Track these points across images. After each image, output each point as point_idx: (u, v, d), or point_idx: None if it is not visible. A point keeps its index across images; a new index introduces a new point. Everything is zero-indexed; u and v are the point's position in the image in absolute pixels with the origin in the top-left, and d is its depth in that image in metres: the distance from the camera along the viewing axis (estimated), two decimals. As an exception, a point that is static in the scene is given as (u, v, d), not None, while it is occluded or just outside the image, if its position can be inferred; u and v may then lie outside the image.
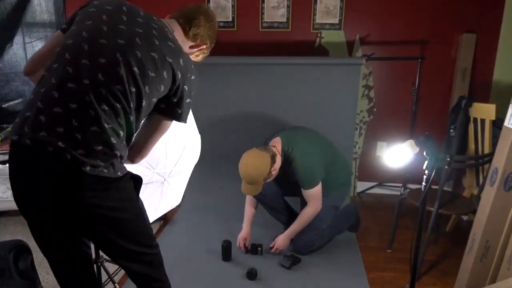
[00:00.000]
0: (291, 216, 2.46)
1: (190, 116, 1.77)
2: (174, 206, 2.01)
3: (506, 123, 1.77)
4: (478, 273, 1.86)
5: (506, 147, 1.73)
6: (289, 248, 2.33)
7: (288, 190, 2.41)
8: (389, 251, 2.42)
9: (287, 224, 2.43)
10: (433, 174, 1.37)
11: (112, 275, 1.97)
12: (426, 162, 1.38)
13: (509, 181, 1.75)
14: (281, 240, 2.27)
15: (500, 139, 1.81)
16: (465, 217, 2.85)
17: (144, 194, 1.79)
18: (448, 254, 2.40)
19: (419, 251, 1.51)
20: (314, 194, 2.20)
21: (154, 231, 2.65)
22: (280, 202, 2.48)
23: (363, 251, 2.41)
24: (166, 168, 1.80)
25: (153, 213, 1.87)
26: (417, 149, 1.41)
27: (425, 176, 1.39)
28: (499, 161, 1.78)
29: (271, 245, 2.29)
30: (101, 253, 1.85)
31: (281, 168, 2.17)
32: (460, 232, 2.68)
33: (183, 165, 1.90)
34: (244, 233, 2.36)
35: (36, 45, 2.57)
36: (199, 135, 1.95)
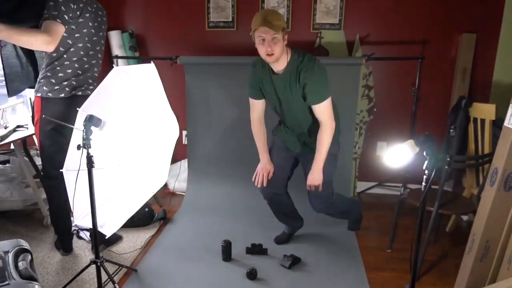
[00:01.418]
0: (297, 219, 2.46)
1: (163, 98, 1.91)
2: (162, 184, 2.04)
3: (506, 123, 1.77)
4: (478, 273, 1.86)
5: (506, 147, 1.73)
6: (289, 248, 2.33)
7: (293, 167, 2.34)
8: (389, 251, 2.42)
9: (292, 227, 2.45)
10: (433, 174, 1.37)
11: (112, 275, 1.97)
12: (426, 162, 1.38)
13: (509, 181, 1.75)
14: (314, 175, 2.11)
15: (500, 139, 1.81)
16: (465, 217, 2.85)
17: (134, 172, 1.88)
18: (448, 254, 2.40)
19: (419, 251, 1.51)
20: (326, 110, 2.03)
21: (154, 231, 2.65)
22: (286, 201, 2.40)
23: (363, 251, 2.41)
24: (149, 146, 1.93)
25: (146, 192, 1.99)
26: (417, 149, 1.41)
27: (425, 176, 1.39)
28: (499, 161, 1.78)
29: (308, 185, 2.14)
30: (101, 253, 1.85)
31: (291, 73, 2.00)
32: (460, 232, 2.68)
33: (164, 143, 1.99)
34: (264, 163, 2.23)
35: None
36: (173, 114, 1.99)
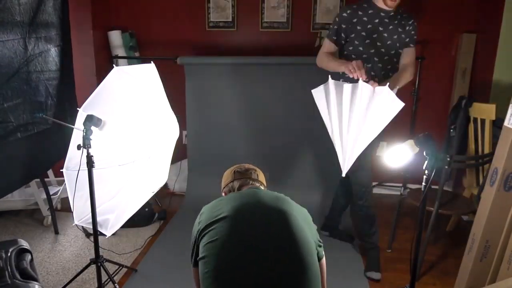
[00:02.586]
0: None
1: (164, 98, 1.88)
2: (162, 184, 2.04)
3: (506, 123, 1.78)
4: (478, 273, 1.86)
5: (506, 147, 1.73)
6: None
7: None
8: (389, 251, 2.42)
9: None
10: (433, 174, 1.37)
11: (112, 275, 1.97)
12: (426, 162, 1.38)
13: (509, 181, 1.75)
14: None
15: (500, 139, 1.81)
16: (465, 217, 2.85)
17: (134, 172, 1.92)
18: (448, 254, 2.40)
19: (419, 251, 1.51)
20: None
21: (154, 231, 2.65)
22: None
23: (363, 251, 2.40)
24: (149, 146, 1.91)
25: (146, 192, 1.97)
26: (417, 149, 1.41)
27: (425, 176, 1.39)
28: (499, 161, 1.78)
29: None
30: (101, 252, 1.85)
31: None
32: (460, 232, 2.68)
33: (164, 142, 1.97)
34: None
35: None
36: (173, 114, 1.99)
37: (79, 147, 1.61)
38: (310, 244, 1.21)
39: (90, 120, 1.61)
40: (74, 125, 1.73)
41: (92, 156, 1.63)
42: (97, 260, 1.81)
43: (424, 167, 1.39)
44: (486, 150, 2.33)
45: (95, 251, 1.81)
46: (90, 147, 1.61)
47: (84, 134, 1.60)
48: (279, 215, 1.22)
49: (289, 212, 1.24)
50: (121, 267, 2.14)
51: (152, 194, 2.03)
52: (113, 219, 1.92)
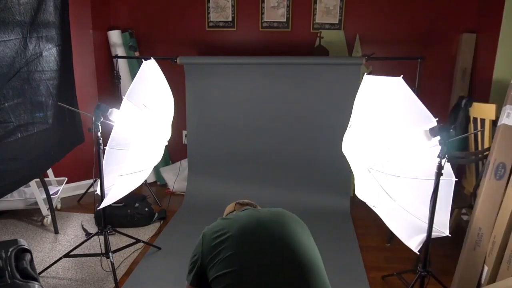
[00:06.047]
0: None
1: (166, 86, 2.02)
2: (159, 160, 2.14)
3: (502, 122, 1.81)
4: (471, 263, 1.89)
5: (496, 141, 1.81)
6: None
7: None
8: (388, 245, 2.42)
9: None
10: (444, 162, 1.36)
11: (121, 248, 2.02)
12: (439, 151, 1.36)
13: (499, 170, 1.78)
14: None
15: (495, 136, 1.86)
16: (465, 217, 2.85)
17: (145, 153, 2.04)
18: (448, 254, 2.40)
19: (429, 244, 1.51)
20: None
21: (154, 231, 2.65)
22: None
23: (363, 251, 2.41)
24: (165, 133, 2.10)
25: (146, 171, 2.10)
26: (431, 139, 1.39)
27: (437, 164, 1.37)
28: (491, 153, 1.86)
29: None
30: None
31: None
32: (460, 232, 2.68)
33: (156, 141, 2.11)
34: None
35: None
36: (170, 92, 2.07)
37: (89, 130, 1.84)
38: (313, 245, 1.33)
39: (98, 107, 1.82)
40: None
41: (100, 138, 1.87)
42: (104, 230, 2.07)
43: (437, 156, 1.38)
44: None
45: (103, 221, 2.08)
46: (99, 130, 1.84)
47: (93, 119, 1.82)
48: (280, 227, 1.32)
49: (287, 225, 1.35)
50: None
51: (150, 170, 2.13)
52: (115, 193, 1.99)
